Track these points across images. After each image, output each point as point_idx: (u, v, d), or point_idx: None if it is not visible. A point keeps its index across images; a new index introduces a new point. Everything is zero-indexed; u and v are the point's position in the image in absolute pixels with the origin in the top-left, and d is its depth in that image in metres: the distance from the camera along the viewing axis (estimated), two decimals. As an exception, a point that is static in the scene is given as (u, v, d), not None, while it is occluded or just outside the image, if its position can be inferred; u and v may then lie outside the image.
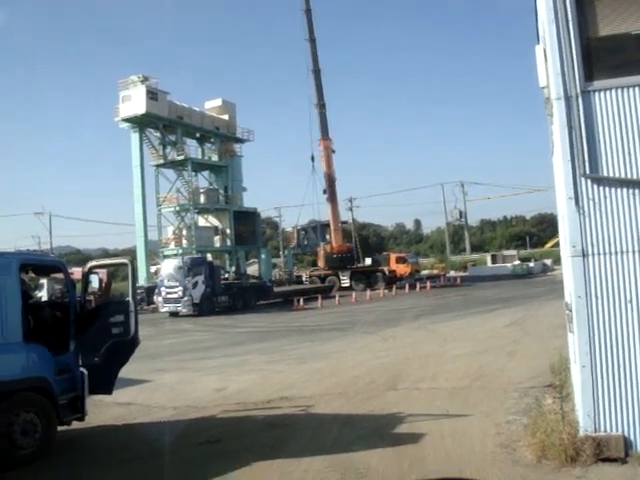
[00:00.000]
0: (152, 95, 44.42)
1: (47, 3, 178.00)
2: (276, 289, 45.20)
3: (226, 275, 44.47)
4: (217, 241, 49.00)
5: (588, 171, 6.53)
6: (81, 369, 8.83)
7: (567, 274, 7.61)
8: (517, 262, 60.64)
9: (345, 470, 6.93)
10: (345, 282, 49.61)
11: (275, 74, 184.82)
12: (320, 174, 52.13)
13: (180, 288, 34.23)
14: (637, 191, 6.45)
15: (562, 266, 10.15)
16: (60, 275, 9.69)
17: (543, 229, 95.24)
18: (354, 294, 40.06)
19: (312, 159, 52.20)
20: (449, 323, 22.45)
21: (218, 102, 52.48)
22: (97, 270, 10.59)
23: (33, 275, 10.18)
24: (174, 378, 14.12)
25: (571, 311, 6.84)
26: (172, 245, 45.95)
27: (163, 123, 45.97)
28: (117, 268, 22.00)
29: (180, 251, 43.75)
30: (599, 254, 6.48)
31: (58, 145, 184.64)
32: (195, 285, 34.57)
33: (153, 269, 45.37)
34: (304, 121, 64.38)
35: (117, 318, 8.97)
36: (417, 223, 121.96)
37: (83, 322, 8.97)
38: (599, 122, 6.59)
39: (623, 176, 6.49)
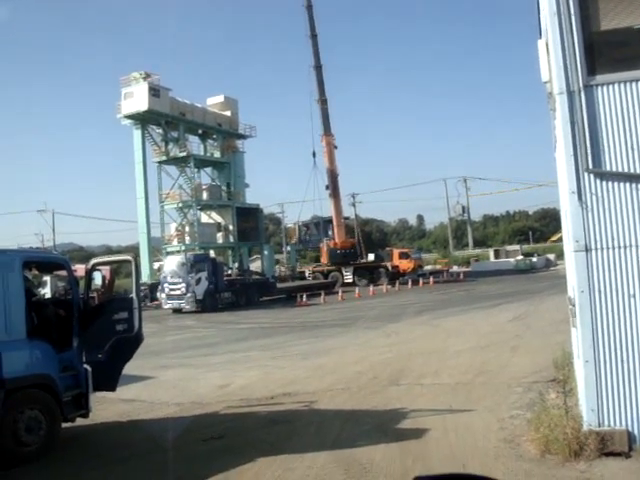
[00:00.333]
0: (154, 92, 44.38)
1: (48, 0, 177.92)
2: (279, 285, 45.20)
3: (229, 271, 44.46)
4: (220, 237, 48.98)
5: (591, 166, 6.52)
6: (85, 366, 8.83)
7: (570, 269, 7.61)
8: (520, 257, 60.48)
9: (349, 466, 6.94)
10: (348, 278, 49.56)
11: (277, 70, 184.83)
12: (322, 170, 52.09)
13: (183, 285, 34.26)
14: (640, 185, 6.44)
15: (565, 261, 10.15)
16: (63, 272, 9.70)
17: (546, 224, 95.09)
18: (357, 290, 40.06)
19: (313, 155, 52.14)
20: (452, 318, 22.45)
21: (220, 98, 52.42)
22: (100, 267, 10.60)
23: (36, 272, 10.18)
24: (178, 374, 14.15)
25: (574, 306, 6.83)
26: (175, 242, 45.94)
27: (165, 120, 45.95)
28: (120, 265, 21.99)
29: (183, 248, 43.72)
30: (602, 249, 6.47)
31: (60, 142, 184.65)
32: (198, 281, 34.57)
33: (156, 266, 45.39)
34: (306, 117, 64.16)
35: (121, 315, 8.98)
36: (420, 218, 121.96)
37: (86, 319, 8.98)
38: (602, 116, 6.57)
39: (626, 170, 6.48)
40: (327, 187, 51.61)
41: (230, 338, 21.94)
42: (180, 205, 46.54)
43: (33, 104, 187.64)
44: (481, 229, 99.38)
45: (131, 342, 8.98)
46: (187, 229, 46.27)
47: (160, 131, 47.06)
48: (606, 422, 6.41)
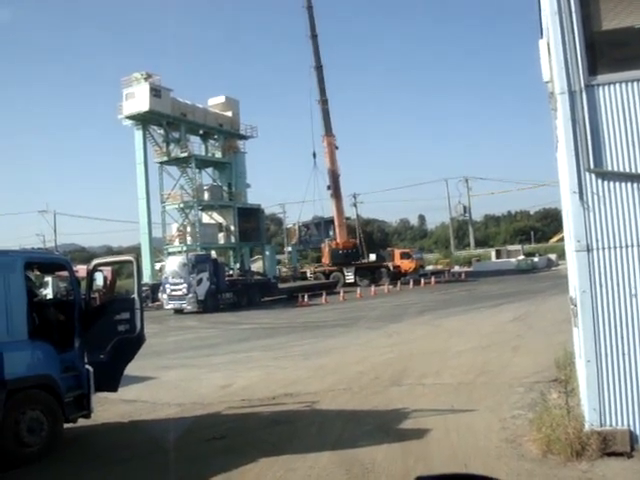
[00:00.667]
0: (155, 92, 44.46)
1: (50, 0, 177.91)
2: (280, 285, 45.18)
3: (230, 272, 44.51)
4: (221, 238, 49.02)
5: (592, 165, 6.52)
6: (87, 366, 8.84)
7: (572, 269, 7.60)
8: (521, 257, 60.48)
9: (351, 466, 6.94)
10: (349, 278, 49.53)
11: (278, 70, 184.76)
12: (322, 170, 52.09)
13: (185, 285, 34.26)
14: (642, 185, 6.44)
15: (567, 261, 10.14)
16: (65, 273, 9.71)
17: (547, 224, 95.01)
18: (358, 290, 40.04)
19: (314, 155, 52.16)
20: (453, 318, 22.44)
21: (221, 99, 52.47)
22: (102, 268, 10.60)
23: (38, 273, 10.19)
24: (179, 375, 14.15)
25: (576, 305, 6.83)
26: (176, 242, 45.99)
27: (166, 120, 46.02)
28: (122, 265, 22.00)
29: (184, 248, 43.78)
30: (604, 248, 6.47)
31: (61, 143, 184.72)
32: (200, 282, 34.58)
33: (158, 266, 45.44)
34: (307, 117, 64.21)
35: (122, 315, 8.98)
36: (421, 219, 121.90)
37: (88, 320, 8.99)
38: (603, 116, 6.57)
39: (627, 170, 6.47)
40: (329, 187, 51.60)
41: (232, 338, 21.94)
42: (181, 205, 46.61)
43: (34, 104, 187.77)
44: (482, 229, 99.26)
45: (133, 343, 8.98)
46: (188, 229, 46.33)
47: (161, 131, 47.13)
48: (608, 422, 6.40)
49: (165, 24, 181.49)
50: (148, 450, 8.13)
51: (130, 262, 9.55)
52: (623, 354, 6.38)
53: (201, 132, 51.35)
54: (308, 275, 53.05)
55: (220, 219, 49.42)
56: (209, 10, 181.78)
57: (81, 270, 11.28)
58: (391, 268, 49.25)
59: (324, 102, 50.48)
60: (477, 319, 21.73)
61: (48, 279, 21.97)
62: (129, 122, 46.37)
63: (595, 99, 6.59)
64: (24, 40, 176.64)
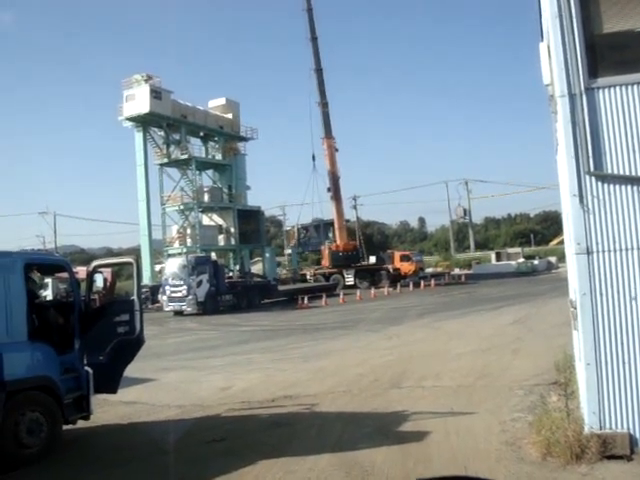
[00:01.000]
0: (156, 94, 44.51)
1: (51, 2, 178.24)
2: (280, 287, 45.14)
3: (230, 274, 44.52)
4: (221, 240, 49.04)
5: (592, 168, 6.52)
6: (86, 368, 8.84)
7: (572, 271, 7.61)
8: (521, 260, 60.52)
9: (350, 468, 6.93)
10: (349, 280, 49.53)
11: (279, 72, 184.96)
12: (322, 173, 52.14)
13: (184, 287, 34.25)
14: (642, 188, 6.44)
15: (567, 263, 10.14)
16: (65, 274, 9.71)
17: (547, 227, 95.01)
18: (358, 292, 40.02)
19: (313, 158, 52.21)
20: (453, 321, 22.45)
21: (222, 101, 52.53)
22: (102, 269, 10.61)
23: (38, 274, 10.19)
24: (179, 377, 14.14)
25: (576, 308, 6.83)
26: (176, 244, 46.02)
27: (167, 122, 46.04)
28: (121, 267, 22.05)
29: (184, 250, 43.80)
30: (604, 251, 6.47)
31: (62, 144, 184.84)
32: (199, 284, 34.57)
33: (157, 268, 45.46)
34: (308, 119, 64.32)
35: (122, 317, 8.98)
36: (421, 221, 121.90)
37: (88, 321, 8.98)
38: (603, 119, 6.57)
39: (627, 173, 6.47)
40: (329, 190, 51.64)
41: (231, 340, 21.94)
42: (181, 207, 46.64)
43: (35, 105, 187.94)
44: (482, 232, 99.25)
45: (132, 344, 8.98)
46: (188, 231, 46.35)
47: (162, 133, 47.16)
48: (608, 425, 6.40)
49: (166, 26, 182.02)
50: (148, 452, 8.12)
51: (130, 264, 9.54)
52: (623, 357, 6.38)
53: (201, 134, 51.40)
54: (308, 277, 53.02)
55: (220, 221, 49.44)
56: (210, 12, 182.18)
57: (81, 272, 11.30)
58: (391, 270, 49.21)
59: (324, 105, 50.54)
60: (477, 322, 21.72)
61: (48, 281, 22.01)
62: (129, 124, 46.39)
63: (595, 102, 6.59)
64: (25, 41, 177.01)
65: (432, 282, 46.59)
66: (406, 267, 49.85)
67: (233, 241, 49.25)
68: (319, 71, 50.45)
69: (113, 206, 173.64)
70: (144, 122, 45.61)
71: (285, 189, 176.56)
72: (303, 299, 36.74)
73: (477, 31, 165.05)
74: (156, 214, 46.95)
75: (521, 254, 64.87)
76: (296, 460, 7.35)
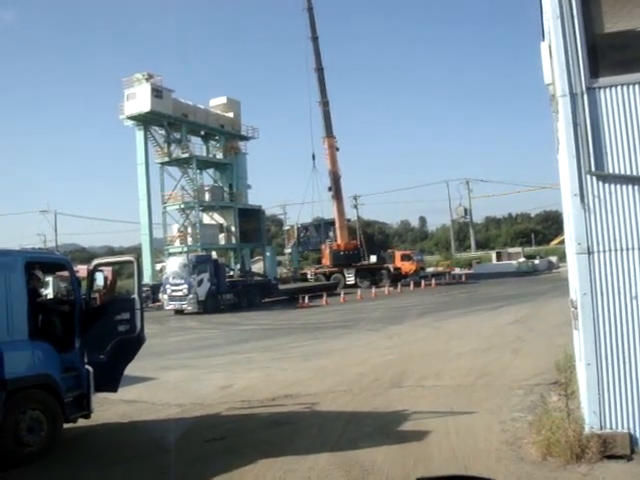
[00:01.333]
0: (157, 93, 44.43)
1: (52, 1, 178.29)
2: (281, 286, 45.20)
3: (231, 273, 44.50)
4: (222, 239, 48.96)
5: (593, 168, 6.52)
6: (87, 367, 8.85)
7: (572, 271, 7.61)
8: (522, 259, 60.57)
9: (350, 467, 6.94)
10: (350, 280, 49.57)
11: (280, 71, 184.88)
12: (323, 172, 52.13)
13: (185, 286, 34.27)
14: (643, 188, 6.44)
15: (567, 263, 10.14)
16: (65, 273, 9.71)
17: (548, 226, 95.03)
18: (359, 291, 40.07)
19: (313, 157, 52.20)
20: (454, 320, 22.45)
21: (223, 100, 52.45)
22: (102, 268, 10.59)
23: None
24: (179, 376, 14.15)
25: (576, 308, 6.83)
26: (177, 243, 45.95)
27: (168, 121, 45.95)
28: (122, 266, 21.98)
29: (185, 249, 43.74)
30: (604, 251, 6.47)
31: (63, 143, 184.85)
32: (200, 283, 34.59)
33: (158, 267, 45.45)
34: (309, 118, 64.36)
35: (123, 316, 8.98)
36: (422, 220, 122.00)
37: (88, 320, 8.98)
38: (604, 119, 6.57)
39: (628, 173, 6.47)
40: (330, 189, 51.66)
41: (232, 339, 21.95)
42: (182, 206, 46.57)
43: (35, 104, 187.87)
44: (483, 231, 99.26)
45: (133, 343, 8.98)
46: (189, 230, 46.28)
47: (162, 132, 47.07)
48: (608, 425, 6.40)
49: (167, 25, 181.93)
50: (148, 450, 8.13)
51: (131, 262, 9.54)
52: (623, 357, 6.38)
53: (202, 133, 51.32)
54: (308, 276, 53.05)
55: (221, 220, 49.37)
56: (210, 11, 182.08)
57: (82, 270, 11.27)
58: (392, 270, 49.23)
59: (325, 104, 50.53)
60: (477, 321, 21.73)
61: (49, 279, 21.98)
62: (130, 122, 46.32)
63: (596, 102, 6.59)
64: (26, 40, 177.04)
65: (433, 281, 46.64)
66: (407, 266, 49.86)
67: (234, 240, 49.18)
68: (320, 70, 50.45)
69: (114, 205, 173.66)
70: (145, 121, 45.55)
71: (286, 188, 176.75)
72: (304, 298, 36.76)
73: (478, 31, 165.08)
74: (157, 213, 46.96)
75: (522, 254, 64.92)
76: (296, 459, 7.36)
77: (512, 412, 8.74)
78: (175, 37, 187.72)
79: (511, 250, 69.31)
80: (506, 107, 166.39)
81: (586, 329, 6.50)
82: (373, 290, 41.44)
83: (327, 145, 50.78)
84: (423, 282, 46.16)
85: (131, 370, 9.67)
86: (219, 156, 51.69)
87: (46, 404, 8.02)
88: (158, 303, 37.54)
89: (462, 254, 79.07)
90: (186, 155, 46.77)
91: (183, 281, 34.40)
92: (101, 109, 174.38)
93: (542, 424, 7.18)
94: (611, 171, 6.53)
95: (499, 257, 65.79)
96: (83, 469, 7.57)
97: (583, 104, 6.56)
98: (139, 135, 46.42)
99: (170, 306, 34.89)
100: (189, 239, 45.74)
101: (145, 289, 34.69)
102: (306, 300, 36.36)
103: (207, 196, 48.03)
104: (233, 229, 48.87)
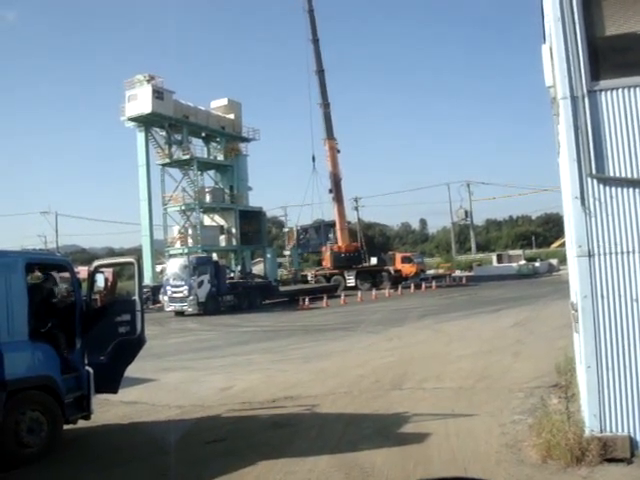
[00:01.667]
0: (158, 94, 44.53)
1: (50, 2, 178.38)
2: (281, 288, 45.22)
3: (231, 274, 44.51)
4: (223, 240, 49.04)
5: (594, 171, 6.52)
6: (87, 368, 8.85)
7: (573, 274, 7.60)
8: (523, 262, 60.53)
9: (350, 469, 6.94)
10: (351, 282, 49.53)
11: (281, 73, 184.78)
12: (323, 174, 52.15)
13: (186, 287, 34.29)
14: (643, 191, 6.44)
15: (568, 266, 10.13)
16: (66, 274, 9.71)
17: (549, 229, 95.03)
18: (360, 294, 40.04)
19: (313, 159, 52.22)
20: (454, 323, 22.43)
21: (224, 101, 52.55)
22: (103, 269, 10.61)
23: (39, 274, 10.20)
24: (179, 377, 14.15)
25: (577, 311, 6.83)
26: (178, 244, 46.04)
27: (169, 122, 46.05)
28: (123, 267, 22.01)
29: (186, 250, 43.82)
30: (605, 254, 6.47)
31: (64, 144, 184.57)
32: (201, 284, 34.62)
33: (159, 268, 45.50)
34: (310, 119, 64.36)
35: (123, 317, 8.99)
36: (423, 223, 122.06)
37: (89, 321, 8.99)
38: (605, 122, 6.57)
39: (629, 176, 6.48)
40: (330, 191, 51.68)
41: (232, 341, 21.95)
42: (183, 208, 46.66)
43: (36, 105, 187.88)
44: (484, 234, 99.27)
45: (133, 344, 8.98)
46: (190, 232, 46.37)
47: (163, 134, 47.19)
48: (608, 428, 6.39)
49: (168, 26, 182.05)
50: (148, 452, 8.13)
51: (131, 264, 9.54)
52: (624, 360, 6.37)
53: (203, 134, 51.44)
54: (309, 278, 53.05)
55: (221, 222, 49.44)
56: (211, 12, 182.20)
57: (82, 271, 11.27)
58: (392, 272, 49.17)
59: (326, 106, 50.52)
60: (478, 324, 21.71)
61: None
62: (131, 124, 46.44)
63: (597, 105, 6.60)
64: (27, 40, 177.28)
65: (433, 284, 46.58)
66: (407, 269, 49.82)
67: (234, 242, 49.24)
68: (321, 72, 50.45)
69: (115, 206, 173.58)
70: (146, 122, 45.66)
71: (287, 190, 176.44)
72: (304, 300, 36.75)
73: (480, 33, 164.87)
74: (158, 214, 47.07)
75: (522, 256, 64.95)
76: (296, 461, 7.36)
77: (512, 415, 8.73)
78: (176, 38, 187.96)
79: (512, 253, 69.30)
80: (507, 109, 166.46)
81: (587, 332, 6.50)
82: (373, 292, 41.42)
83: (328, 147, 50.77)
84: (424, 284, 46.12)
85: (131, 371, 9.66)
86: (220, 158, 51.79)
87: (46, 405, 8.02)
88: (158, 304, 37.56)
89: (463, 256, 79.00)
90: (187, 157, 46.87)
91: (183, 283, 34.43)
92: (102, 110, 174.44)
93: (542, 427, 7.17)
94: (612, 174, 6.53)
95: (500, 260, 65.76)
96: (83, 470, 7.56)
97: (584, 107, 6.56)
98: (140, 136, 46.54)
99: (170, 307, 34.92)
100: (190, 241, 45.82)
101: (145, 290, 34.69)
102: (306, 302, 36.35)
103: (208, 198, 48.13)
104: (234, 231, 48.95)
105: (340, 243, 52.30)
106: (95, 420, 9.22)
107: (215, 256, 44.43)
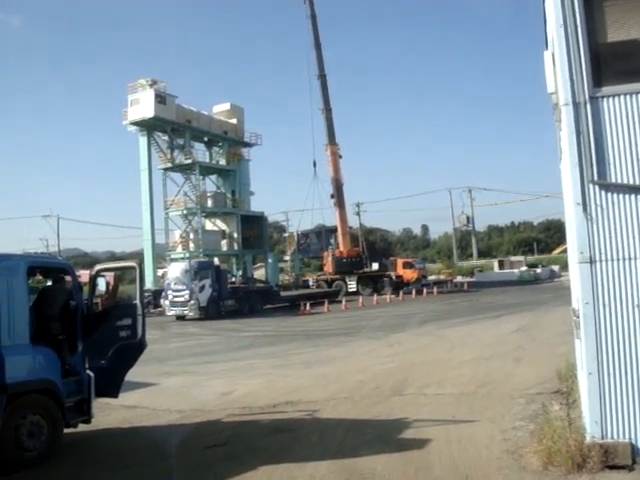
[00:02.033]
0: (160, 99, 44.60)
1: (55, 6, 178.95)
2: (283, 293, 45.24)
3: (233, 279, 44.54)
4: (224, 245, 49.00)
5: (596, 177, 6.52)
6: (88, 372, 8.85)
7: (575, 280, 7.60)
8: (524, 268, 60.48)
9: (350, 475, 6.92)
10: (352, 287, 49.51)
11: (283, 78, 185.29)
12: (325, 179, 52.20)
13: (187, 292, 34.30)
14: (645, 197, 6.44)
15: (569, 272, 10.12)
16: (68, 278, 9.72)
17: (550, 235, 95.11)
18: (361, 299, 39.99)
19: (314, 164, 52.27)
20: (456, 329, 22.40)
21: (226, 106, 52.62)
22: (104, 273, 10.62)
23: (40, 278, 10.21)
24: (180, 381, 14.14)
25: (578, 317, 6.82)
26: (179, 249, 46.01)
27: (171, 127, 46.12)
28: (124, 271, 22.01)
29: (187, 255, 43.79)
30: (607, 260, 6.46)
31: (66, 148, 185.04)
32: (202, 289, 34.63)
33: (160, 272, 45.48)
34: (312, 125, 64.51)
35: (124, 321, 8.99)
36: (424, 228, 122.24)
37: (90, 325, 8.99)
38: (607, 128, 6.58)
39: (631, 182, 6.47)
40: (332, 196, 51.71)
41: (233, 346, 21.93)
42: (185, 212, 46.64)
43: (39, 109, 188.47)
44: (485, 240, 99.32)
45: (134, 348, 8.98)
46: (191, 236, 46.33)
47: (166, 138, 47.22)
48: (609, 434, 6.38)
49: (171, 31, 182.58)
50: (149, 456, 8.13)
51: (133, 268, 9.54)
52: (625, 366, 6.36)
53: (205, 139, 51.46)
54: (310, 283, 53.04)
55: (223, 226, 49.44)
56: (215, 17, 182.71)
57: (84, 275, 11.27)
58: (394, 277, 49.15)
59: (328, 111, 50.58)
60: (479, 330, 21.67)
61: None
62: (134, 128, 46.47)
63: (599, 111, 6.60)
64: (31, 44, 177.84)
65: (434, 290, 46.54)
66: (409, 274, 49.78)
67: (236, 246, 49.20)
68: (322, 77, 50.54)
69: (116, 210, 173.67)
70: (148, 127, 45.71)
71: (289, 195, 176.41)
72: (305, 305, 36.74)
73: (482, 38, 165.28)
74: (159, 219, 47.03)
75: (524, 262, 64.93)
76: (297, 466, 7.34)
77: (514, 421, 8.71)
78: (179, 43, 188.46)
79: (513, 259, 69.31)
80: (509, 115, 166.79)
81: (588, 338, 6.49)
82: (375, 298, 41.42)
83: (330, 152, 50.80)
84: (425, 290, 46.05)
85: (132, 375, 9.66)
86: (222, 162, 51.82)
87: (47, 409, 8.01)
88: (160, 309, 37.57)
89: (464, 262, 79.06)
90: (189, 161, 46.90)
91: (185, 287, 34.45)
92: (105, 114, 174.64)
93: (543, 433, 7.15)
94: (614, 180, 6.53)
95: (501, 265, 65.80)
96: (83, 474, 7.57)
97: (586, 113, 6.57)
98: (142, 141, 46.59)
99: (171, 312, 34.94)
100: (191, 245, 45.80)
101: (147, 295, 34.76)
102: (307, 307, 36.34)
103: (210, 202, 48.11)
104: (235, 235, 48.92)
105: (342, 248, 52.29)
106: (96, 424, 9.22)
107: (216, 261, 44.49)
